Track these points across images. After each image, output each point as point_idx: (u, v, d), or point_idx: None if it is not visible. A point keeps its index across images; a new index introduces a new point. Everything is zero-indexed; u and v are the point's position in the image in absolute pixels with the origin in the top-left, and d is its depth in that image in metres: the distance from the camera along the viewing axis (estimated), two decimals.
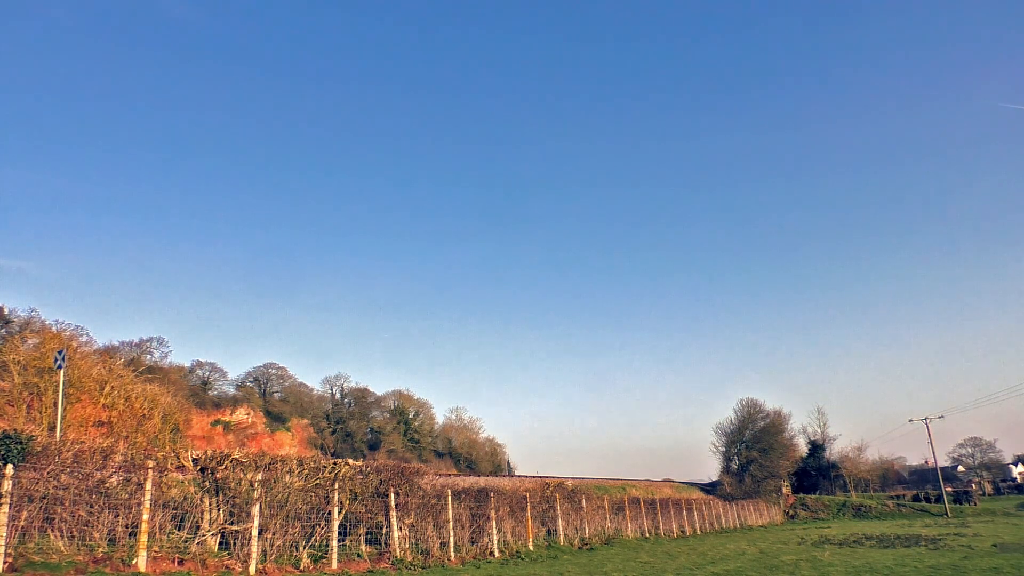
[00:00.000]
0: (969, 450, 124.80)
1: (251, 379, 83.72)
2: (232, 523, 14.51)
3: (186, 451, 15.44)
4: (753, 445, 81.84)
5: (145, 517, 12.77)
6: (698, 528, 44.36)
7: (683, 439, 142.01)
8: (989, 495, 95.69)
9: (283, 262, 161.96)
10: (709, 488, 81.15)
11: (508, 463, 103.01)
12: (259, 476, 15.01)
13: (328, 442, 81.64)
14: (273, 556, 14.96)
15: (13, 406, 32.93)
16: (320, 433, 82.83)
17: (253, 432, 71.58)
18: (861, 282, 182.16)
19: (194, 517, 14.40)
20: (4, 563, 10.91)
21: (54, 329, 40.18)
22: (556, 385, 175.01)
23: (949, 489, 76.94)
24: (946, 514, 64.82)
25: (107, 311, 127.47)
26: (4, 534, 11.01)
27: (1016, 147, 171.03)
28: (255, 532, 14.40)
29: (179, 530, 14.05)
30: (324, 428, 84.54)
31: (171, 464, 14.64)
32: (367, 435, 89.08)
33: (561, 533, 27.56)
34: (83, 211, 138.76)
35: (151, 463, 13.59)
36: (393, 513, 18.35)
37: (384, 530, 18.43)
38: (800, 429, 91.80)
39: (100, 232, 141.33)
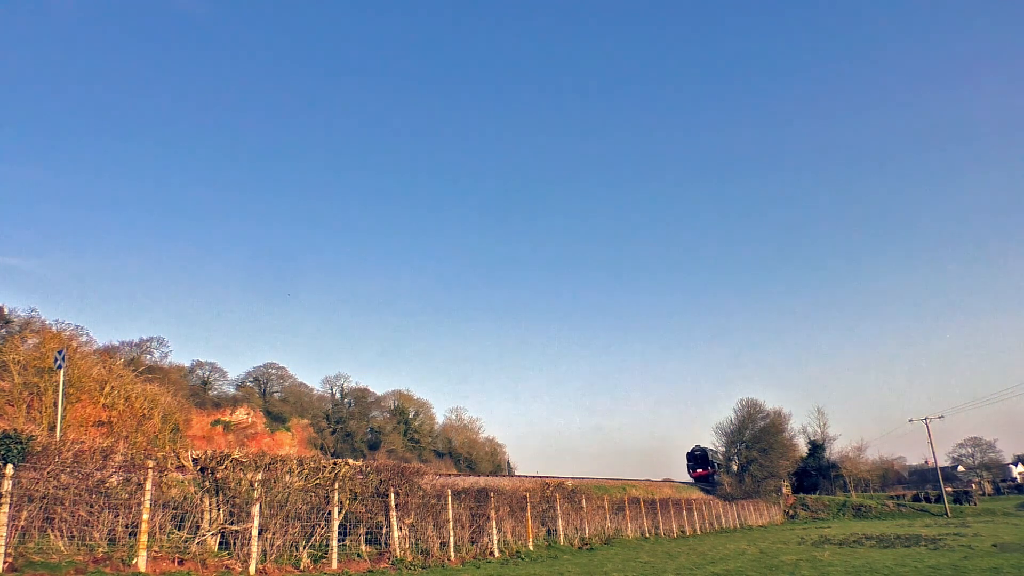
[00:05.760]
0: (969, 450, 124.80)
1: (251, 379, 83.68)
2: (232, 523, 14.51)
3: (186, 451, 15.44)
4: (753, 445, 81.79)
5: (145, 517, 12.77)
6: (698, 528, 44.36)
7: (683, 439, 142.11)
8: (989, 495, 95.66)
9: (283, 262, 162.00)
10: (709, 488, 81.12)
11: (508, 463, 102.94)
12: (259, 476, 15.01)
13: (328, 442, 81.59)
14: (273, 556, 14.96)
15: (13, 406, 32.90)
16: (320, 433, 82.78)
17: (253, 432, 71.52)
18: (861, 282, 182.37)
19: (194, 517, 14.40)
20: (4, 563, 10.90)
21: (54, 329, 40.09)
22: (556, 385, 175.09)
23: (949, 489, 76.88)
24: (946, 514, 64.82)
25: (107, 311, 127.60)
26: (4, 534, 11.01)
27: (1016, 146, 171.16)
28: (255, 532, 14.39)
29: (179, 530, 14.05)
30: (324, 428, 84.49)
31: (171, 464, 14.63)
32: (367, 435, 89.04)
33: (561, 533, 27.55)
34: (83, 210, 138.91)
35: (151, 463, 13.58)
36: (393, 513, 18.35)
37: (384, 530, 18.43)
38: (800, 429, 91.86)
39: (100, 231, 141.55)
